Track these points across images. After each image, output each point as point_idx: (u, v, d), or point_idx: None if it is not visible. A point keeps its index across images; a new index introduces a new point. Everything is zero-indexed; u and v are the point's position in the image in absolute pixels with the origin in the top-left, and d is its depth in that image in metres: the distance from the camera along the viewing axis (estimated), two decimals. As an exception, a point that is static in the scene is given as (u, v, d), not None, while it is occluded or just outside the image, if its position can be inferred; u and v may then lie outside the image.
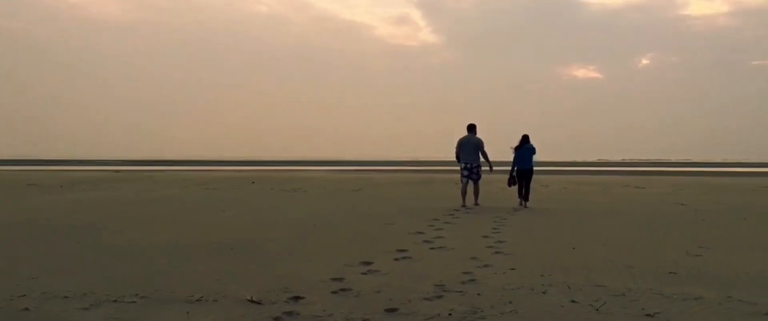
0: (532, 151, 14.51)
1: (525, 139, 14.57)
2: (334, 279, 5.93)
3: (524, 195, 14.30)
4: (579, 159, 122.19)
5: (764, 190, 21.04)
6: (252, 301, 5.04)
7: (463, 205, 13.89)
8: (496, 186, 17.45)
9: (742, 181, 28.10)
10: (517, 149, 14.51)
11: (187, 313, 4.73)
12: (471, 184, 14.22)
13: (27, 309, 4.86)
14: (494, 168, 14.59)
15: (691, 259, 7.17)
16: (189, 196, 17.39)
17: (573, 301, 5.11)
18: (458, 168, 14.54)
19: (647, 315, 4.68)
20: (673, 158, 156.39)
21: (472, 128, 14.37)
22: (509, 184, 14.65)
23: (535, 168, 14.71)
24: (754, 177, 36.07)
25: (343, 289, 5.52)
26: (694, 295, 5.31)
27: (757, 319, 4.64)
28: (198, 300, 5.11)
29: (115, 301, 5.09)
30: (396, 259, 7.10)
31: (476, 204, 14.08)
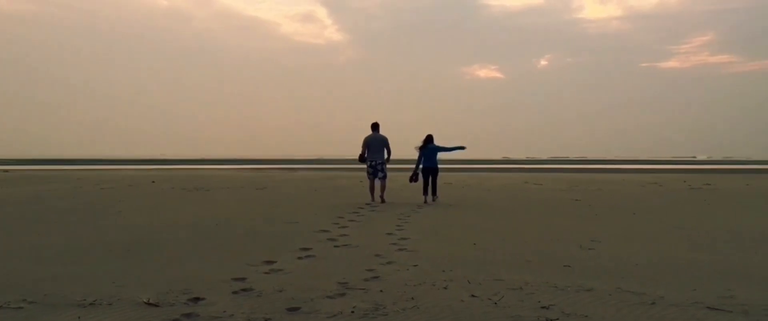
0: (436, 150, 14.95)
1: (429, 138, 15.05)
2: (235, 279, 5.82)
3: (432, 190, 14.71)
4: (482, 157, 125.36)
5: (652, 185, 22.28)
6: (149, 304, 4.86)
7: (370, 202, 14.14)
8: (400, 183, 17.64)
9: (632, 178, 29.62)
10: (421, 149, 14.92)
11: (79, 318, 4.50)
12: (377, 181, 14.49)
13: None
14: (397, 166, 14.82)
15: (585, 253, 7.50)
16: (83, 196, 16.63)
17: (473, 295, 5.22)
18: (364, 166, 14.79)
19: (542, 307, 4.84)
20: (571, 156, 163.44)
21: (376, 127, 14.64)
22: (410, 180, 15.08)
23: (439, 166, 15.16)
24: (643, 173, 38.13)
25: (244, 289, 5.42)
26: (587, 287, 5.55)
27: (645, 308, 4.88)
28: (91, 304, 4.88)
29: (0, 307, 4.79)
30: (299, 258, 7.05)
31: (382, 201, 14.27)
